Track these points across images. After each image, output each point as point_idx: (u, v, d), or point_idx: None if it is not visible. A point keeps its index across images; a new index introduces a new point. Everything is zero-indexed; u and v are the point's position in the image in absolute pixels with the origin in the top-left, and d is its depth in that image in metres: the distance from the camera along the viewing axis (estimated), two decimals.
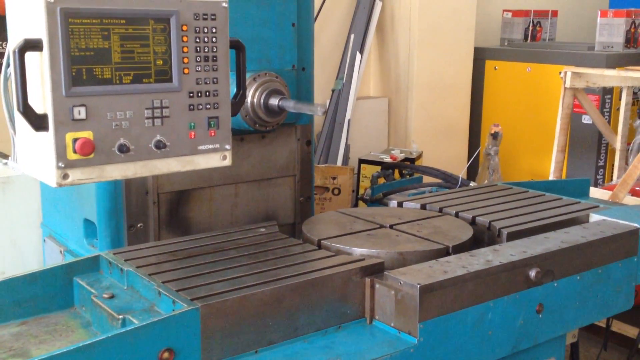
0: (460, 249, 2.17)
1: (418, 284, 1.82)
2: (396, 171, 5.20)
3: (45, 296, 1.94)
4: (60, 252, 2.56)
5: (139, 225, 2.34)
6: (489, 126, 5.59)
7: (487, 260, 2.03)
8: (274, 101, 2.32)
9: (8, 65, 2.36)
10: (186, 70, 1.83)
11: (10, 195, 2.94)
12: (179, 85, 1.82)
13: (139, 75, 1.75)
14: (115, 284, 1.94)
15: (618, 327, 3.96)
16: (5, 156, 3.26)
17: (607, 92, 5.43)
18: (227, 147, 1.92)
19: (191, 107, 1.86)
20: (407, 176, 4.99)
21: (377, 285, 1.92)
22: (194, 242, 2.17)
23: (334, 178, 5.01)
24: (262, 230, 2.33)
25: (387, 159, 5.47)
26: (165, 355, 1.58)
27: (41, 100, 1.66)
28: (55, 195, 2.66)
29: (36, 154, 1.73)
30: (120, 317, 1.73)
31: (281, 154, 2.65)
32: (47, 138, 1.65)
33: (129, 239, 2.32)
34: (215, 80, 1.89)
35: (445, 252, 2.15)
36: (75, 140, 1.65)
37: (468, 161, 5.96)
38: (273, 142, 2.62)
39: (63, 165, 1.65)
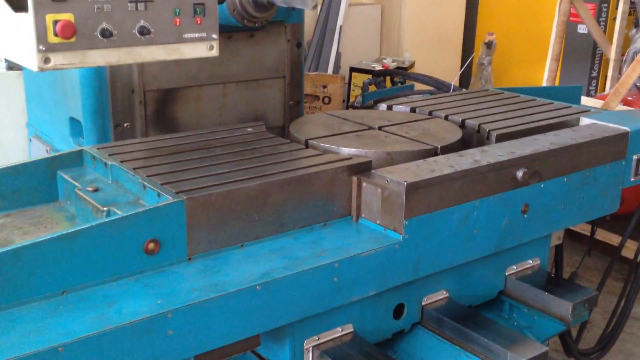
0: (448, 150, 2.16)
1: (405, 181, 1.82)
2: (388, 79, 5.13)
3: (29, 189, 1.93)
4: (47, 151, 2.54)
5: (125, 124, 2.31)
6: (484, 35, 5.49)
7: (475, 160, 2.03)
8: None
9: None
10: None
11: None
12: None
13: None
14: (100, 178, 1.92)
15: (602, 235, 4.01)
16: None
17: (604, 0, 5.31)
18: (214, 36, 1.86)
19: None
20: (399, 84, 4.93)
21: (364, 184, 1.92)
22: (180, 140, 2.15)
23: (324, 86, 4.94)
24: (250, 130, 2.30)
25: (379, 68, 5.39)
26: (151, 245, 1.58)
27: None
28: (40, 94, 2.61)
29: (17, 38, 1.67)
30: (105, 209, 1.73)
31: (270, 54, 2.59)
32: (27, 20, 1.59)
33: (115, 138, 2.30)
34: None
35: (433, 152, 2.14)
36: (55, 22, 1.60)
37: (460, 70, 5.89)
38: (262, 42, 2.55)
39: (44, 49, 1.60)
